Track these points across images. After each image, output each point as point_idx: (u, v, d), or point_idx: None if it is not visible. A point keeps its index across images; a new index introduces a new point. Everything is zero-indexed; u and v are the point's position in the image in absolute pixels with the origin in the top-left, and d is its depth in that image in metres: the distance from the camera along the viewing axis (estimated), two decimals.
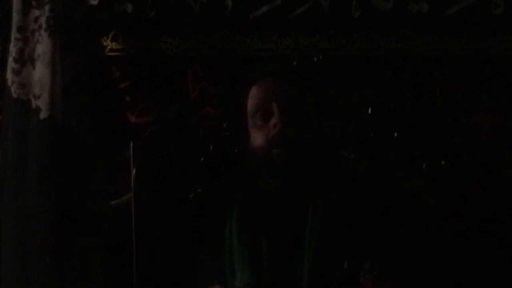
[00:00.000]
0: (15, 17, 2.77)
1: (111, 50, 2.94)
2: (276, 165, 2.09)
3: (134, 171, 2.54)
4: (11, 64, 2.77)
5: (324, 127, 2.21)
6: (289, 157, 2.09)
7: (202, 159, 2.57)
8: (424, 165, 2.61)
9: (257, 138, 2.12)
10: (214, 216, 2.19)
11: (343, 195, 2.12)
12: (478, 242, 2.58)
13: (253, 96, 2.16)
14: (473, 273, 2.54)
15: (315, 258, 2.05)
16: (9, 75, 2.77)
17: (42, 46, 2.74)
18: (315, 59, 2.72)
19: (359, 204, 2.12)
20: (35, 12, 2.76)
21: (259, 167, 2.12)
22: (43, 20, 2.74)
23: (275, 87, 2.14)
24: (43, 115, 2.72)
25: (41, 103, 2.72)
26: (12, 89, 2.75)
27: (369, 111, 2.66)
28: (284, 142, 2.09)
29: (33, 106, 2.73)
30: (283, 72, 2.22)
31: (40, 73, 2.74)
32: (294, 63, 2.69)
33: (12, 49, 2.77)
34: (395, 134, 2.65)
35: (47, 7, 2.74)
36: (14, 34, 2.77)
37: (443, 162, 2.63)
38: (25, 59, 2.76)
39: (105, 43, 2.94)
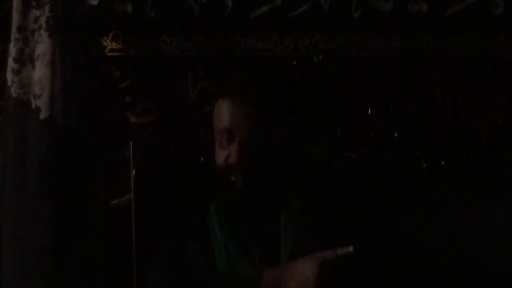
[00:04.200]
0: (15, 17, 2.77)
1: (111, 50, 2.94)
2: (234, 186, 2.08)
3: (134, 171, 2.54)
4: (11, 64, 2.77)
5: (293, 129, 2.16)
6: (247, 181, 2.07)
7: (202, 159, 2.57)
8: (424, 165, 2.61)
9: (220, 156, 2.11)
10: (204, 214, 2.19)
11: (315, 196, 2.11)
12: (478, 242, 2.58)
13: (219, 114, 2.12)
14: (473, 273, 2.54)
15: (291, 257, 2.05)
16: (9, 75, 2.77)
17: (42, 46, 2.74)
18: (315, 59, 2.73)
19: (332, 203, 2.11)
20: (35, 12, 2.76)
21: (220, 184, 2.12)
22: (43, 20, 2.74)
23: (240, 112, 2.07)
24: (43, 115, 2.72)
25: (41, 103, 2.72)
26: (12, 89, 2.75)
27: (369, 111, 2.66)
28: (241, 169, 2.06)
29: (33, 106, 2.73)
30: (255, 87, 2.12)
31: (40, 73, 2.74)
32: (294, 63, 2.70)
33: (12, 49, 2.77)
34: (395, 134, 2.65)
35: (47, 7, 2.74)
36: (14, 34, 2.77)
37: (443, 162, 2.63)
38: (25, 59, 2.76)
39: (105, 43, 2.94)
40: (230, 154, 2.07)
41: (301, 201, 2.09)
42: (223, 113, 2.10)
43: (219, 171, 2.11)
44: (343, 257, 1.93)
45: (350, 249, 1.92)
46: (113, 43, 2.94)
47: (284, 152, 2.09)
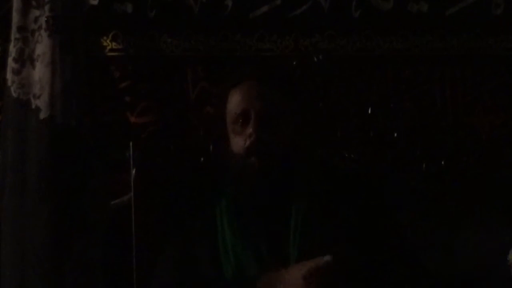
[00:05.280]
0: (15, 17, 2.77)
1: (111, 50, 2.94)
2: (250, 172, 2.09)
3: (134, 171, 2.54)
4: (11, 64, 2.77)
5: (311, 130, 2.18)
6: (264, 166, 2.08)
7: (202, 159, 2.57)
8: (424, 165, 2.62)
9: (235, 144, 2.12)
10: (208, 213, 2.19)
11: (325, 195, 2.11)
12: (478, 242, 2.58)
13: (232, 101, 2.14)
14: (472, 273, 2.54)
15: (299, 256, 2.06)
16: (9, 75, 2.77)
17: (42, 46, 2.74)
18: (315, 59, 2.73)
19: (341, 203, 2.11)
20: (35, 12, 2.76)
21: (236, 173, 2.12)
22: (43, 20, 2.74)
23: (254, 93, 2.11)
24: (43, 115, 2.72)
25: (41, 103, 2.72)
26: (12, 89, 2.75)
27: (369, 111, 2.66)
28: (258, 151, 2.08)
29: (33, 106, 2.73)
30: (264, 76, 2.17)
31: (40, 73, 2.74)
32: (294, 63, 2.70)
33: (12, 49, 2.77)
34: (395, 134, 2.65)
35: (47, 7, 2.74)
36: (14, 34, 2.77)
37: (443, 162, 2.63)
38: (25, 59, 2.76)
39: (105, 43, 2.94)
40: (246, 137, 2.08)
41: (311, 203, 2.10)
42: (236, 99, 2.12)
43: (236, 158, 2.11)
44: (324, 265, 1.97)
45: (328, 258, 1.97)
46: (113, 43, 2.94)
47: (297, 145, 2.11)
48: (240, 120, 2.10)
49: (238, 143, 2.10)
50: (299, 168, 2.12)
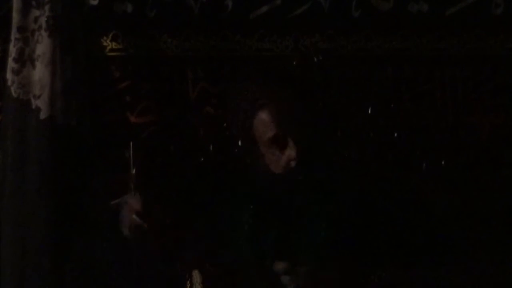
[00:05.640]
0: (15, 17, 2.77)
1: (111, 50, 2.94)
2: (289, 185, 2.09)
3: (134, 171, 2.54)
4: (11, 64, 2.76)
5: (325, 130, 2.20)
6: (304, 179, 2.08)
7: (202, 159, 2.57)
8: (424, 165, 2.62)
9: (273, 163, 2.12)
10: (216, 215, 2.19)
11: (348, 197, 2.12)
12: (478, 242, 2.58)
13: (262, 124, 2.14)
14: (474, 273, 2.54)
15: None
16: (9, 75, 2.76)
17: (42, 46, 2.74)
18: (315, 59, 2.73)
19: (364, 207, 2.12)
20: (35, 12, 2.76)
21: (271, 184, 2.12)
22: (43, 20, 2.74)
23: (284, 115, 2.12)
24: (43, 115, 2.72)
25: (41, 103, 2.72)
26: (12, 89, 2.75)
27: (369, 111, 2.66)
28: (300, 170, 2.08)
29: (33, 106, 2.73)
30: (288, 93, 2.16)
31: (40, 73, 2.74)
32: (294, 63, 2.70)
33: (12, 49, 2.77)
34: (395, 134, 2.65)
35: (47, 7, 2.74)
36: (14, 34, 2.77)
37: (443, 162, 2.63)
38: (25, 59, 2.76)
39: (105, 43, 2.94)
40: (284, 159, 2.09)
41: (331, 211, 2.10)
42: (267, 123, 2.14)
43: (273, 172, 2.12)
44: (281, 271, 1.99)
45: (284, 265, 2.03)
46: (113, 43, 2.94)
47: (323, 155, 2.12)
48: (275, 143, 2.11)
49: (277, 162, 2.11)
50: (332, 176, 2.13)
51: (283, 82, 2.19)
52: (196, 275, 2.38)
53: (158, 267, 2.18)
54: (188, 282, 2.39)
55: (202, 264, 2.16)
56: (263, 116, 2.13)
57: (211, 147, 2.57)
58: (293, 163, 2.09)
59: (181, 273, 2.19)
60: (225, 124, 2.55)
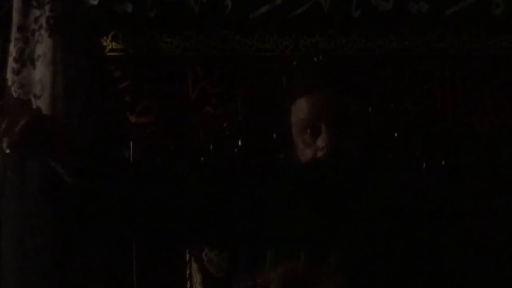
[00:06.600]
0: (15, 17, 2.77)
1: (111, 50, 2.94)
2: (320, 178, 2.07)
3: (134, 171, 2.53)
4: (11, 64, 2.76)
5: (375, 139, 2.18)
6: (335, 174, 2.06)
7: (202, 159, 2.57)
8: (424, 165, 2.62)
9: (304, 155, 2.10)
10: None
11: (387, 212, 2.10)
12: (478, 242, 2.58)
13: (299, 111, 2.11)
14: (474, 273, 2.54)
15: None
16: (9, 75, 2.77)
17: (43, 46, 2.74)
18: (315, 59, 2.72)
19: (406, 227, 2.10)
20: (35, 12, 2.76)
21: (303, 177, 2.10)
22: (43, 20, 2.74)
23: (323, 103, 2.08)
24: None
25: (42, 103, 2.72)
26: (13, 89, 2.75)
27: (369, 111, 2.66)
28: (330, 162, 2.05)
29: (34, 106, 2.73)
30: (333, 82, 2.14)
31: (40, 73, 2.74)
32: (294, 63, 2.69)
33: (12, 49, 2.77)
34: (395, 134, 2.65)
35: (47, 7, 2.74)
36: (14, 34, 2.77)
37: (443, 162, 2.63)
38: (25, 59, 2.76)
39: (105, 43, 2.94)
40: (316, 148, 2.07)
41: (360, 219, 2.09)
42: (304, 110, 2.10)
43: (305, 163, 2.09)
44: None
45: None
46: (113, 43, 2.94)
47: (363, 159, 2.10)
48: (309, 131, 2.09)
49: (308, 154, 2.09)
50: (367, 178, 2.11)
51: (327, 77, 2.17)
52: (196, 275, 2.38)
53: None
54: (188, 282, 2.39)
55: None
56: (303, 102, 2.11)
57: (211, 147, 2.57)
58: (321, 153, 2.06)
59: None
60: (225, 124, 2.54)
